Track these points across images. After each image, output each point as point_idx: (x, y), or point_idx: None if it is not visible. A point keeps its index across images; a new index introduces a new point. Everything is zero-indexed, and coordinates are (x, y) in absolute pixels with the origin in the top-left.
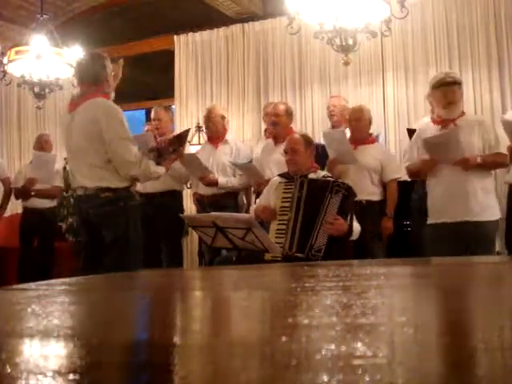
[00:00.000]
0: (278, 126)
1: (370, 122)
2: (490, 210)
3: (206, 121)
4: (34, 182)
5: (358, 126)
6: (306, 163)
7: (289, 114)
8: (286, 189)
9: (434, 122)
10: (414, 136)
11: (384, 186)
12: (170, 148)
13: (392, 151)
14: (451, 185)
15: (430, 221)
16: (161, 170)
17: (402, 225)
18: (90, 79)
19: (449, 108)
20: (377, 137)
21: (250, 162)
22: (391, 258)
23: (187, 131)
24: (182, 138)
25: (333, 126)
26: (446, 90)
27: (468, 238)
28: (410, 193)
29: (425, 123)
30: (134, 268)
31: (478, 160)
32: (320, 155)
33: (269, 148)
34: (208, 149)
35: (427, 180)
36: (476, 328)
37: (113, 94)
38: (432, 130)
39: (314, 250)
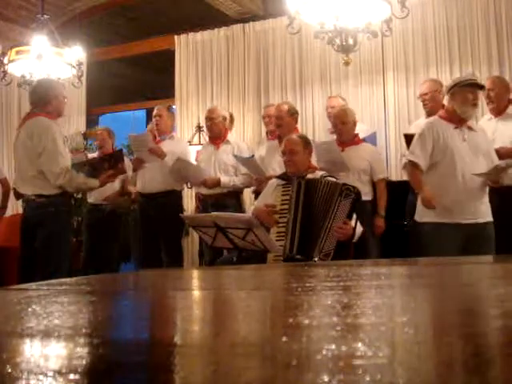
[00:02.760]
0: (281, 127)
1: (354, 124)
2: (490, 210)
3: (208, 122)
4: None
5: (344, 128)
6: (304, 164)
7: (292, 113)
8: (284, 191)
9: (445, 117)
10: (429, 130)
11: (373, 185)
12: (105, 164)
13: (392, 151)
14: (465, 187)
15: (439, 220)
16: (93, 182)
17: (398, 225)
18: (35, 101)
19: (475, 109)
20: (369, 137)
21: (252, 156)
22: (389, 258)
23: (120, 151)
24: (117, 157)
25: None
26: (477, 92)
27: (478, 237)
28: (407, 193)
29: (435, 119)
30: (59, 267)
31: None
32: None
33: (273, 148)
34: (209, 149)
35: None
36: (476, 328)
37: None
38: (444, 126)
39: (322, 254)
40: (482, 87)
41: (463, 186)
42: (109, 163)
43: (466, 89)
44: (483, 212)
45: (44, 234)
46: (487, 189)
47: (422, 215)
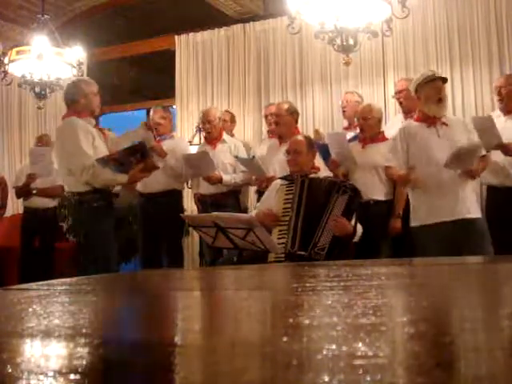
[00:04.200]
0: (279, 125)
1: (379, 121)
2: (477, 207)
3: (204, 123)
4: (33, 177)
5: (366, 124)
6: (307, 164)
7: (291, 112)
8: (287, 191)
9: (418, 119)
10: (399, 135)
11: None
12: (132, 158)
13: None
14: (444, 184)
15: (424, 222)
16: (121, 178)
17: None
18: (66, 102)
19: (441, 104)
20: None
21: (253, 157)
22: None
23: (143, 143)
24: (141, 150)
25: (348, 125)
26: (438, 86)
27: (464, 235)
28: None
29: (407, 122)
30: (100, 265)
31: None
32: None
33: (273, 147)
34: (206, 149)
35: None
36: (477, 328)
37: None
38: (417, 127)
39: (317, 248)
40: (444, 80)
41: (444, 182)
42: (135, 157)
43: (427, 86)
44: (469, 208)
45: (81, 231)
46: (470, 185)
47: (412, 219)
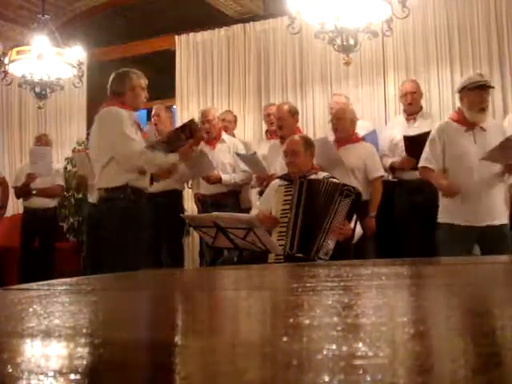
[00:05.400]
0: (283, 128)
1: (353, 122)
2: (506, 212)
3: (203, 122)
4: (33, 176)
5: (340, 124)
6: (306, 165)
7: (292, 113)
8: (286, 191)
9: (457, 120)
10: (438, 134)
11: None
12: (182, 136)
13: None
14: (476, 190)
15: (452, 221)
16: (172, 157)
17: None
18: (111, 91)
19: (484, 112)
20: (369, 134)
21: (254, 153)
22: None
23: (192, 120)
24: (191, 127)
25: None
26: (484, 94)
27: (493, 240)
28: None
29: (446, 122)
30: (128, 268)
31: None
32: None
33: (275, 148)
34: (205, 150)
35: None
36: (477, 328)
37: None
38: (455, 129)
39: (321, 253)
40: (490, 87)
41: (475, 188)
42: (185, 134)
43: (473, 92)
44: (498, 214)
45: (104, 233)
46: (502, 191)
47: (440, 216)
